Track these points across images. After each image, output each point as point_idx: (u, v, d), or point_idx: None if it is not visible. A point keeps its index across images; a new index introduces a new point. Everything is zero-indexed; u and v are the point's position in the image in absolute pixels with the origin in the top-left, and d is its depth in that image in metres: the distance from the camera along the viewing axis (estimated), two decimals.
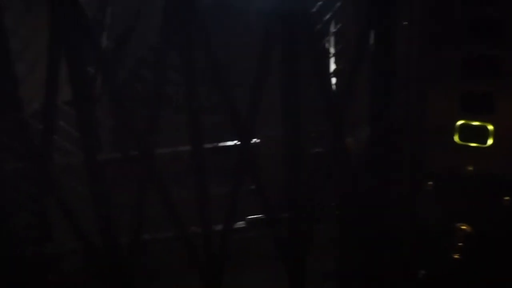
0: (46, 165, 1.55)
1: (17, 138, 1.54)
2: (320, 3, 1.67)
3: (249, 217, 1.91)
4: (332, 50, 1.81)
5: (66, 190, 1.63)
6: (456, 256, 1.54)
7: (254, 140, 1.73)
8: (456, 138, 1.45)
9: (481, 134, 1.40)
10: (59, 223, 1.74)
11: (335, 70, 1.77)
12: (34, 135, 1.53)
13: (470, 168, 1.45)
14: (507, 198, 1.41)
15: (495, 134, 1.39)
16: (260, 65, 1.53)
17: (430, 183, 1.55)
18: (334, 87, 1.75)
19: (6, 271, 1.66)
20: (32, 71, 1.64)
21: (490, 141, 1.40)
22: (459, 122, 1.44)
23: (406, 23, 1.46)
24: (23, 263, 1.67)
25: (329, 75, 1.70)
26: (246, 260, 2.25)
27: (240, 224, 1.94)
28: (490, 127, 1.39)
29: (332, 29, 1.79)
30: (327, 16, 1.69)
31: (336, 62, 1.82)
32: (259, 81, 1.55)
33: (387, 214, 1.71)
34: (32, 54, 1.60)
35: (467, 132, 1.43)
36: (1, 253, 1.63)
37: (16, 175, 1.72)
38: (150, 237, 1.94)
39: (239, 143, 1.64)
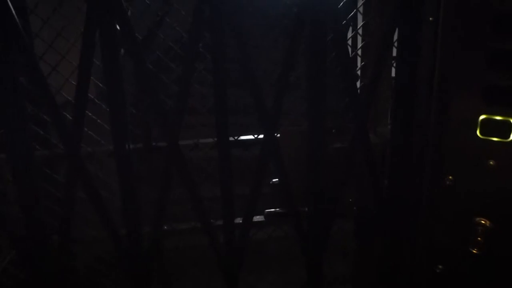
0: (78, 153, 1.57)
1: (49, 127, 1.57)
2: None
3: (268, 210, 1.93)
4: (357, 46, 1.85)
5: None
6: (475, 251, 1.56)
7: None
8: (478, 132, 1.48)
9: (504, 129, 1.43)
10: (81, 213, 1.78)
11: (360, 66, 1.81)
12: (66, 125, 1.56)
13: (492, 163, 1.47)
14: None
15: None
16: (286, 58, 1.57)
17: (451, 177, 1.57)
18: (358, 83, 1.79)
19: (31, 258, 1.68)
20: (63, 61, 1.67)
21: None
22: (482, 117, 1.46)
23: (432, 18, 1.50)
24: (47, 251, 1.69)
25: (354, 71, 1.73)
26: (261, 262, 2.30)
27: (259, 218, 1.98)
28: None
29: (358, 24, 1.84)
30: (353, 12, 1.73)
31: (361, 58, 1.86)
32: (285, 72, 1.58)
33: (406, 210, 1.73)
34: (63, 43, 1.63)
35: (490, 127, 1.45)
36: (27, 241, 1.65)
37: (44, 163, 1.76)
38: (171, 228, 1.99)
39: (262, 135, 1.67)
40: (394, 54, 1.66)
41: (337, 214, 1.78)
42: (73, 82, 1.52)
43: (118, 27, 1.44)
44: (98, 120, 1.73)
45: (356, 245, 2.03)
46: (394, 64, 1.63)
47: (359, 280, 2.10)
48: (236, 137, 1.96)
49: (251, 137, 1.99)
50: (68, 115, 1.58)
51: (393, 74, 1.67)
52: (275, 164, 1.67)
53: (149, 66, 1.62)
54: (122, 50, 1.50)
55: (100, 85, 1.56)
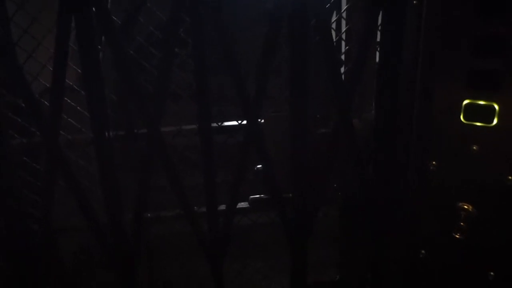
0: (56, 141, 1.54)
1: (26, 115, 1.53)
2: None
3: (253, 196, 1.92)
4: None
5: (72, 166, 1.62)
6: (457, 236, 1.56)
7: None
8: (461, 117, 1.47)
9: (487, 114, 1.42)
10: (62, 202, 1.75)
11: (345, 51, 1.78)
12: (42, 113, 1.52)
13: (475, 148, 1.47)
14: (510, 177, 1.43)
15: (501, 114, 1.40)
16: (267, 44, 1.54)
17: (435, 163, 1.56)
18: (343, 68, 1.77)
19: (12, 249, 1.66)
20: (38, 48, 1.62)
21: (495, 121, 1.42)
22: (465, 102, 1.45)
23: (416, 2, 1.47)
24: (27, 240, 1.67)
25: (337, 56, 1.70)
26: (247, 249, 2.29)
27: (243, 204, 1.96)
28: (496, 107, 1.40)
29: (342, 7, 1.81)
30: None
31: (345, 42, 1.83)
32: (267, 59, 1.55)
33: (390, 196, 1.73)
34: (39, 31, 1.58)
35: (473, 112, 1.44)
36: (7, 230, 1.63)
37: (22, 151, 1.72)
38: (154, 215, 1.97)
39: (245, 121, 1.64)
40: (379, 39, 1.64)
41: (323, 200, 1.77)
42: (50, 69, 1.48)
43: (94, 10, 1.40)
44: (78, 108, 1.69)
45: (341, 231, 2.03)
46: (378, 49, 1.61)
47: (344, 265, 2.10)
48: (219, 123, 1.93)
49: (235, 123, 1.96)
50: (47, 103, 1.54)
51: (377, 59, 1.65)
52: (259, 150, 1.65)
53: (129, 51, 1.58)
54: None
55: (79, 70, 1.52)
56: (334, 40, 1.82)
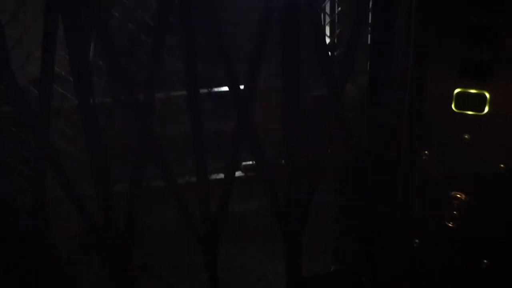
0: (46, 131, 1.53)
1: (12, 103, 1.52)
2: None
3: (245, 163, 1.87)
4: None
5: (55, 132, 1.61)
6: (451, 225, 1.55)
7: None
8: (453, 106, 1.44)
9: (478, 102, 1.40)
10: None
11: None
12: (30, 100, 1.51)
13: (467, 137, 1.45)
14: (502, 165, 1.41)
15: (492, 102, 1.38)
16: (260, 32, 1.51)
17: (427, 152, 1.55)
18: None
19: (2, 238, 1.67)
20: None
21: (486, 109, 1.39)
22: (457, 90, 1.42)
23: None
24: (17, 230, 1.67)
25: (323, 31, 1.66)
26: (241, 235, 2.29)
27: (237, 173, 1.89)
28: (487, 95, 1.38)
29: None
30: None
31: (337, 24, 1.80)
32: (259, 47, 1.52)
33: (382, 182, 1.71)
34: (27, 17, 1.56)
35: (464, 100, 1.42)
36: None
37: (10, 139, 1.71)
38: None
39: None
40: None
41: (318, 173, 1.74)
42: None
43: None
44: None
45: (336, 219, 2.02)
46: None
47: (339, 256, 2.10)
48: (209, 89, 1.86)
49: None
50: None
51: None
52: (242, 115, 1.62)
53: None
54: None
55: None
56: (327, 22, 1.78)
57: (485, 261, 1.54)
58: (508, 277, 1.53)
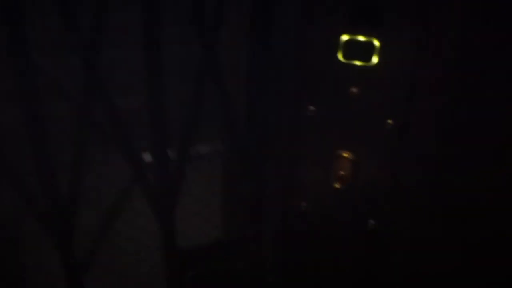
0: None
1: None
2: None
3: None
4: None
5: None
6: (337, 186, 1.45)
7: None
8: (340, 56, 1.31)
9: (366, 51, 1.27)
10: None
11: None
12: None
13: (354, 90, 1.33)
14: (390, 121, 1.32)
15: (381, 52, 1.26)
16: None
17: (312, 108, 1.41)
18: None
19: None
20: None
21: (375, 59, 1.27)
22: (344, 38, 1.29)
23: None
24: None
25: None
26: None
27: None
28: (376, 43, 1.26)
29: None
30: None
31: None
32: None
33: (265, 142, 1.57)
34: None
35: (352, 49, 1.29)
36: None
37: None
38: None
39: None
40: None
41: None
42: None
43: None
44: None
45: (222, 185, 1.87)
46: None
47: (226, 224, 1.97)
48: None
49: None
50: None
51: None
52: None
53: None
54: None
55: None
56: None
57: (372, 221, 1.47)
58: (394, 238, 1.48)
